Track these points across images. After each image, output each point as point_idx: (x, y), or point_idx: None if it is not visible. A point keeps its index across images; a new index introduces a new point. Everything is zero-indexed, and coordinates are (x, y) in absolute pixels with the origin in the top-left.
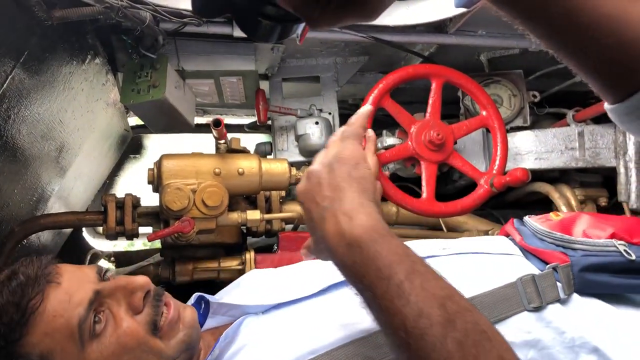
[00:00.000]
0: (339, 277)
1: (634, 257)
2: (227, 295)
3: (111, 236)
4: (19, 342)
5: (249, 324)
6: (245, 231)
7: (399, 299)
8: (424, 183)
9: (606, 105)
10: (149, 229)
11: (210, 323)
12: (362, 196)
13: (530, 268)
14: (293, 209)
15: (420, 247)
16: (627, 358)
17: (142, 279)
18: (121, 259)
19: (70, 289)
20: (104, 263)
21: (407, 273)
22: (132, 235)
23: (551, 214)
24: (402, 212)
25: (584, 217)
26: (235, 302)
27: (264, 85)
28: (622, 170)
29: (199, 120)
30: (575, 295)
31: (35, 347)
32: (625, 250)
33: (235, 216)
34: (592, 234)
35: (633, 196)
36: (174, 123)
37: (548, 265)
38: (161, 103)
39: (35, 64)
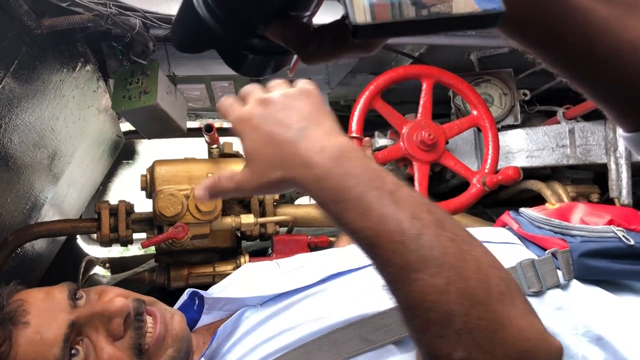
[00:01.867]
0: (338, 268)
1: (632, 242)
2: (221, 291)
3: (105, 243)
4: None
5: (249, 316)
6: (239, 235)
7: (393, 204)
8: (416, 183)
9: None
10: (143, 235)
11: (205, 319)
12: (337, 125)
13: (530, 255)
14: (287, 212)
15: None
16: (631, 348)
17: (119, 303)
18: (116, 265)
19: (41, 326)
20: (99, 269)
21: (394, 184)
22: (126, 241)
23: (547, 204)
24: None
25: (580, 206)
26: (233, 295)
27: None
28: (612, 166)
29: (191, 124)
30: (575, 282)
31: None
32: (624, 236)
33: (229, 221)
34: (590, 221)
35: (624, 192)
36: (166, 128)
37: (547, 251)
38: (153, 109)
39: (26, 72)
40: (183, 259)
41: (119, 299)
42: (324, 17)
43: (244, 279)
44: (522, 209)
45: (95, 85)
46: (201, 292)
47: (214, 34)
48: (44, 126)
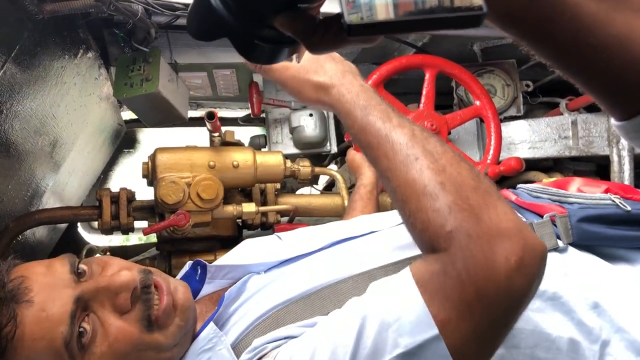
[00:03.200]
0: (342, 235)
1: (629, 208)
2: (223, 257)
3: (106, 231)
4: None
5: (253, 281)
6: (240, 224)
7: (404, 118)
8: None
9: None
10: (144, 223)
11: (207, 289)
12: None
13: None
14: (288, 202)
15: None
16: (625, 316)
17: (125, 277)
18: (117, 254)
19: (46, 303)
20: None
21: (396, 113)
22: (128, 229)
23: (544, 179)
24: None
25: (577, 179)
26: (236, 262)
27: (258, 77)
28: (615, 158)
29: (193, 113)
30: (571, 248)
31: None
32: (620, 203)
33: (230, 209)
34: (587, 190)
35: (626, 184)
36: (168, 117)
37: (546, 215)
38: (154, 97)
39: (27, 58)
40: (184, 247)
41: (124, 273)
42: (330, 6)
43: (246, 250)
44: (519, 185)
45: (96, 73)
46: (203, 261)
47: (226, 23)
48: (45, 113)
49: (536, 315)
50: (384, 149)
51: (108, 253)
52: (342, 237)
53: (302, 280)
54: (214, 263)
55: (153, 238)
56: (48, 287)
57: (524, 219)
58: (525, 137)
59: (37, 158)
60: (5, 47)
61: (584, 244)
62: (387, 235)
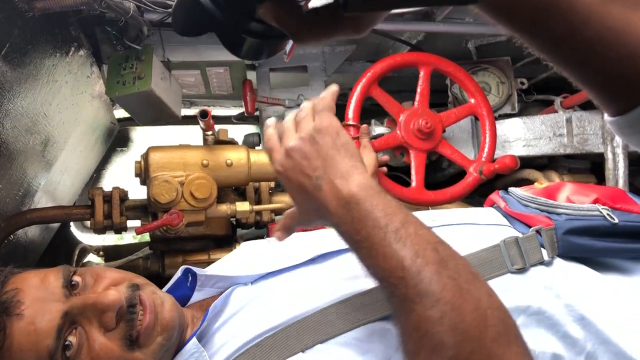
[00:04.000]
0: (327, 248)
1: (617, 221)
2: (213, 266)
3: (99, 230)
4: None
5: (238, 294)
6: (234, 223)
7: (396, 243)
8: (413, 172)
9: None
10: (137, 223)
11: (197, 296)
12: (352, 159)
13: (515, 234)
14: (282, 200)
15: None
16: (613, 328)
17: (112, 297)
18: (110, 253)
19: (35, 317)
20: (92, 257)
21: (401, 222)
22: (121, 228)
23: (536, 183)
24: None
25: (567, 185)
26: (224, 273)
27: (251, 75)
28: (609, 156)
29: (186, 111)
30: (558, 259)
31: None
32: (608, 214)
33: (224, 208)
34: (576, 199)
35: (621, 182)
36: (161, 115)
37: (532, 228)
38: (147, 95)
39: (18, 56)
40: (178, 247)
41: (112, 293)
42: None
43: (238, 258)
44: (511, 188)
45: (88, 71)
46: (194, 269)
47: (212, 17)
48: (36, 112)
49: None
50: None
51: (101, 253)
52: (326, 251)
53: (282, 307)
54: (204, 271)
55: (146, 237)
56: (39, 301)
57: (511, 231)
58: (520, 135)
59: (29, 157)
60: None
61: (570, 255)
62: None
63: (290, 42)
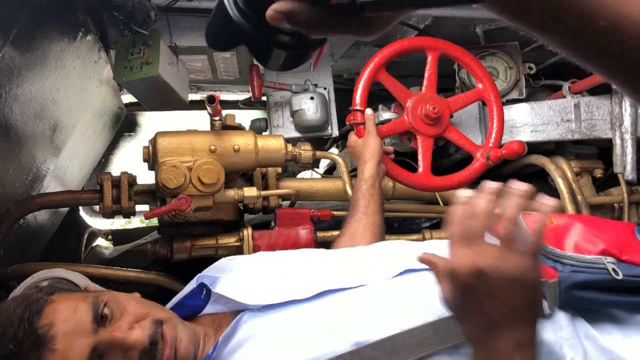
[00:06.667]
0: (332, 284)
1: (621, 277)
2: (228, 282)
3: (108, 215)
4: None
5: (246, 322)
6: (242, 208)
7: None
8: (420, 157)
9: None
10: (146, 207)
11: (210, 309)
12: (531, 331)
13: None
14: (290, 186)
15: (413, 253)
16: None
17: (135, 338)
18: (118, 237)
19: (67, 351)
20: (101, 241)
21: None
22: (129, 213)
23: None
24: (398, 187)
25: (577, 226)
26: (234, 297)
27: None
28: (617, 141)
29: (193, 96)
30: (560, 312)
31: None
32: (613, 269)
33: (231, 193)
34: (584, 247)
35: (628, 167)
36: (168, 100)
37: None
38: (154, 80)
39: (26, 41)
40: (186, 231)
41: (136, 333)
42: None
43: (250, 278)
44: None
45: (96, 56)
46: (209, 283)
47: (244, 32)
48: (45, 97)
49: None
50: None
51: (110, 237)
52: (330, 288)
53: (295, 346)
54: (217, 290)
55: (155, 221)
56: (70, 335)
57: None
58: (528, 121)
59: (38, 142)
60: (2, 30)
61: (574, 308)
62: (373, 296)
63: (316, 53)
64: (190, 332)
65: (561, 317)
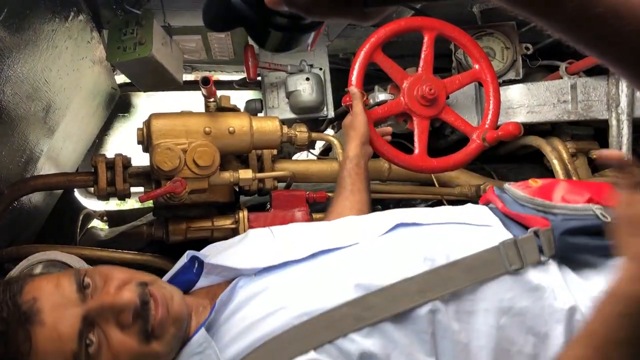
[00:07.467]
0: (327, 245)
1: (609, 219)
2: (220, 255)
3: (102, 197)
4: None
5: (243, 285)
6: (237, 190)
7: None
8: (416, 139)
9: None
10: (141, 189)
11: (203, 282)
12: None
13: (510, 236)
14: (285, 168)
15: (403, 215)
16: None
17: (127, 297)
18: (114, 218)
19: (56, 323)
20: (96, 222)
21: None
22: (124, 195)
23: (530, 181)
24: (394, 168)
25: (561, 183)
26: (229, 264)
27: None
28: (614, 122)
29: (187, 77)
30: (555, 260)
31: None
32: (602, 214)
33: (227, 175)
34: (571, 199)
35: (624, 148)
36: (162, 81)
37: (530, 229)
38: (148, 61)
39: (16, 21)
40: (181, 213)
41: (126, 294)
42: None
43: (243, 247)
44: (506, 186)
45: (89, 36)
46: (201, 256)
47: (241, 13)
48: (37, 78)
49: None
50: None
51: (105, 218)
52: (326, 248)
53: (291, 304)
54: (210, 260)
55: (150, 203)
56: (57, 307)
57: (506, 233)
58: (524, 102)
59: (31, 123)
60: None
61: (567, 255)
62: (368, 251)
63: (312, 35)
64: (180, 291)
65: (552, 265)
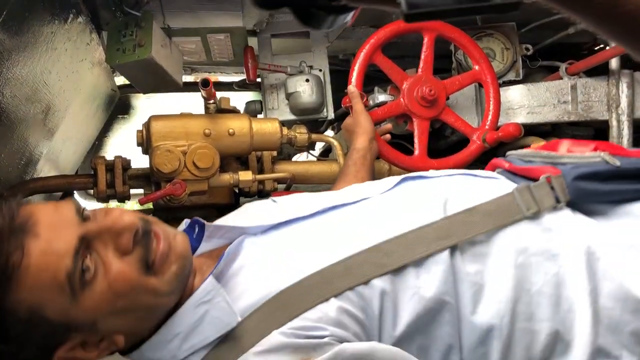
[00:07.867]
0: (334, 202)
1: (619, 164)
2: (221, 220)
3: (102, 199)
4: (3, 299)
5: (250, 242)
6: (237, 192)
7: None
8: (416, 140)
9: None
10: (140, 191)
11: (205, 246)
12: None
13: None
14: (285, 169)
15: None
16: (621, 270)
17: (128, 219)
18: None
19: (52, 238)
20: None
21: None
22: (124, 197)
23: (532, 144)
24: (394, 170)
25: (565, 140)
26: (234, 223)
27: (253, 42)
28: (614, 123)
29: (187, 78)
30: (569, 207)
31: (21, 303)
32: (610, 159)
33: (227, 177)
34: (577, 150)
35: (613, 143)
36: (162, 82)
37: (542, 176)
38: (148, 63)
39: (15, 23)
40: (181, 215)
41: (127, 216)
42: None
43: (244, 212)
44: (509, 152)
45: (88, 38)
46: (201, 220)
47: None
48: (36, 80)
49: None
50: None
51: None
52: (335, 204)
53: (305, 255)
54: (212, 223)
55: (150, 204)
56: (54, 225)
57: (514, 184)
58: (524, 102)
59: (30, 126)
60: None
61: (580, 201)
62: (378, 204)
63: (352, 12)
64: (183, 233)
65: (567, 210)
